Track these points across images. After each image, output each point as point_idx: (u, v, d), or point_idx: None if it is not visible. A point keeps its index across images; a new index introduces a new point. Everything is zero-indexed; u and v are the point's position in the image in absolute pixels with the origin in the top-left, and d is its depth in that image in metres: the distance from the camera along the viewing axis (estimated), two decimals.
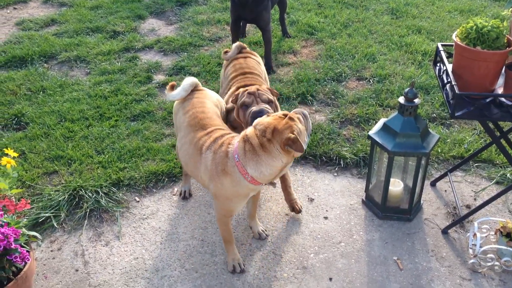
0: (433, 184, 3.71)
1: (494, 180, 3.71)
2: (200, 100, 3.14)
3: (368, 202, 3.52)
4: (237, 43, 3.80)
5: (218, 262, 3.12)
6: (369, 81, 5.06)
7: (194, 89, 3.22)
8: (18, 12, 7.05)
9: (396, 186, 3.44)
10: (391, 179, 3.32)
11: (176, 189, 3.71)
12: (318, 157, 3.97)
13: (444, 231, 3.29)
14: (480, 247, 3.01)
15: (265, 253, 3.18)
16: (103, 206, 3.54)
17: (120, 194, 3.65)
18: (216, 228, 3.35)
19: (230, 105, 3.29)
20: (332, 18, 6.48)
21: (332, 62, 5.36)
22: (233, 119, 3.26)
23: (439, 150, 4.00)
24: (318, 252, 3.18)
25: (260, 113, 2.95)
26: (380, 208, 3.41)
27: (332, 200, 3.60)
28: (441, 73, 3.09)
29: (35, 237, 2.83)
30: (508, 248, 2.93)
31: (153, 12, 6.85)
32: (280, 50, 5.71)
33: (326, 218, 3.45)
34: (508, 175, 3.72)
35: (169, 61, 5.55)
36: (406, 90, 3.12)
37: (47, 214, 3.43)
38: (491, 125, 3.62)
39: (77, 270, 3.09)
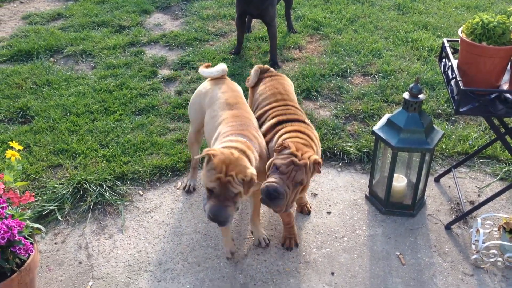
0: (437, 180, 3.70)
1: (499, 177, 3.69)
2: (236, 86, 3.33)
3: (372, 197, 3.52)
4: (255, 67, 3.50)
5: (220, 256, 3.13)
6: (374, 77, 5.04)
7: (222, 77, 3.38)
8: (24, 6, 7.07)
9: (400, 181, 3.43)
10: (395, 175, 3.32)
11: (180, 183, 3.72)
12: (322, 153, 3.96)
13: (447, 227, 3.29)
14: (483, 242, 3.00)
15: (267, 247, 3.18)
16: (107, 200, 3.55)
17: (124, 188, 3.66)
18: None
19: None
20: (338, 14, 6.46)
21: (338, 58, 5.35)
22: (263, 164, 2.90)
23: (444, 146, 3.98)
24: (320, 247, 3.18)
25: (275, 192, 2.63)
26: (383, 203, 3.40)
27: (336, 195, 3.60)
28: (447, 69, 3.08)
29: (39, 229, 2.85)
30: (511, 244, 2.92)
31: (159, 7, 6.86)
32: (286, 46, 5.70)
33: (329, 213, 3.45)
34: None
35: (174, 56, 5.56)
36: (411, 85, 3.10)
37: (51, 207, 3.45)
38: (496, 121, 3.61)
39: (80, 263, 3.11)
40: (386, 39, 5.80)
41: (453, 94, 2.88)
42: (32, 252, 2.63)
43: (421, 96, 3.10)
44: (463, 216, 3.27)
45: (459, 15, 6.40)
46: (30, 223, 2.77)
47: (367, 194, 3.55)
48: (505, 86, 2.84)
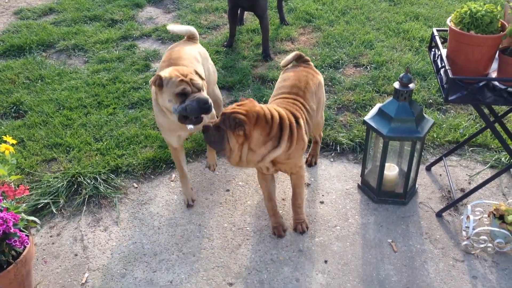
0: (428, 168, 3.74)
1: (489, 164, 3.74)
2: (194, 48, 3.65)
3: (364, 186, 3.55)
4: (296, 52, 3.46)
5: (215, 246, 3.16)
6: (366, 67, 5.07)
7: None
8: (16, 1, 7.04)
9: (391, 170, 3.47)
10: (386, 164, 3.35)
11: (174, 175, 3.74)
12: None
13: (438, 214, 3.33)
14: (473, 229, 3.05)
15: (261, 237, 3.22)
16: (101, 193, 3.58)
17: (119, 181, 3.69)
18: (214, 213, 3.40)
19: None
20: (330, 5, 6.48)
21: (330, 49, 5.37)
22: None
23: (435, 135, 4.03)
24: (313, 236, 3.22)
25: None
26: (375, 192, 3.44)
27: (328, 185, 3.64)
28: (436, 58, 3.11)
29: (34, 222, 2.87)
30: (501, 230, 2.97)
31: (151, 1, 6.84)
32: (278, 38, 5.71)
33: (322, 202, 3.48)
34: (502, 159, 3.75)
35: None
36: (401, 75, 3.14)
37: (46, 201, 3.48)
38: (486, 110, 3.66)
39: (76, 255, 3.14)
40: (378, 30, 5.82)
41: (443, 83, 2.91)
42: (28, 244, 2.65)
43: (411, 85, 3.14)
44: (454, 203, 3.31)
45: (450, 5, 6.43)
46: (25, 215, 2.80)
47: (360, 184, 3.59)
48: (494, 75, 2.88)
